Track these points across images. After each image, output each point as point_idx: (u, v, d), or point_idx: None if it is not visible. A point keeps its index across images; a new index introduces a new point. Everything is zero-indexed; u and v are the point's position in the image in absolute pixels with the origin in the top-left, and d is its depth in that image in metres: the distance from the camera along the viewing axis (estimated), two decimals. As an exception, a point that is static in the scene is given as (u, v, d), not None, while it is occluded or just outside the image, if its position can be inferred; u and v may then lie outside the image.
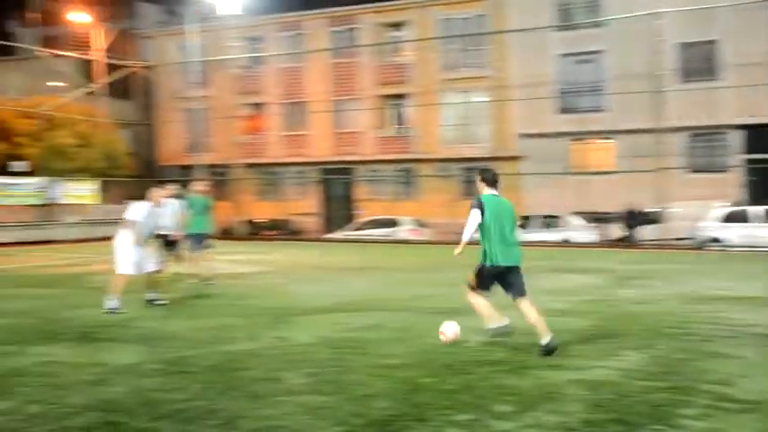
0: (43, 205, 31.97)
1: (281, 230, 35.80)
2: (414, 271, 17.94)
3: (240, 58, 38.42)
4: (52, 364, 7.45)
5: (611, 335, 8.91)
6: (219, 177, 40.17)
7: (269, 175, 39.92)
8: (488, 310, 8.28)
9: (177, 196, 13.87)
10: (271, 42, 39.15)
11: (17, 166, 33.18)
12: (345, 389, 6.42)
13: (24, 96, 39.07)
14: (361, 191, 37.57)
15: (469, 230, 7.94)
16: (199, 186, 15.23)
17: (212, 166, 39.56)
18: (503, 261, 7.89)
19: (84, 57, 37.59)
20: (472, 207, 7.98)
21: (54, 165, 33.82)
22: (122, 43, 38.50)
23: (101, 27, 37.54)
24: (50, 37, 40.39)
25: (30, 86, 38.66)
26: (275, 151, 39.33)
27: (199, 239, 14.43)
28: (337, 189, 36.74)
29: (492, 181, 8.22)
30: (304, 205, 38.31)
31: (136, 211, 11.04)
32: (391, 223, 32.36)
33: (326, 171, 37.52)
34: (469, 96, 35.42)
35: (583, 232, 28.35)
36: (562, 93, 33.13)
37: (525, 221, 29.84)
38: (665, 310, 10.94)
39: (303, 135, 38.82)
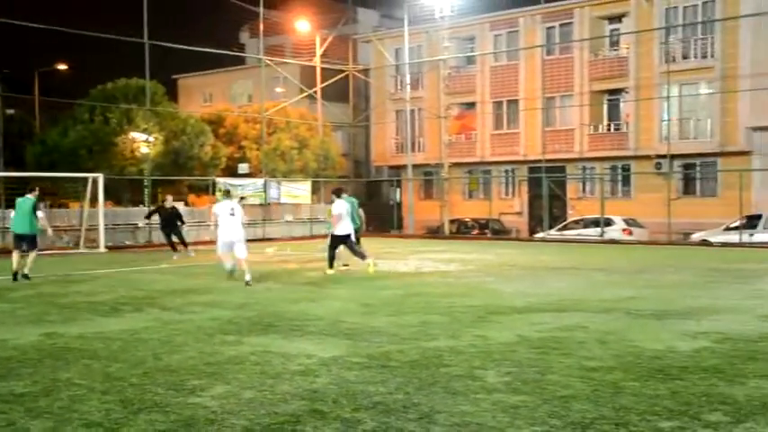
0: (262, 205, 33.95)
1: (487, 230, 35.77)
2: (621, 272, 17.28)
3: (452, 59, 38.80)
4: (266, 353, 7.91)
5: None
6: (428, 177, 40.91)
7: (477, 174, 40.04)
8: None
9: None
10: (484, 41, 39.22)
11: (242, 168, 35.55)
12: (544, 389, 6.32)
13: (250, 103, 41.90)
14: (570, 189, 36.71)
15: None
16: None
17: (422, 165, 40.35)
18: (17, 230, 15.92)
19: (303, 63, 39.60)
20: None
21: (274, 166, 35.89)
22: (340, 48, 40.12)
23: (320, 34, 39.34)
24: (275, 46, 42.98)
25: (256, 93, 41.39)
26: (484, 150, 39.37)
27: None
28: (546, 188, 36.14)
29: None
30: (511, 204, 38.05)
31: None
32: (601, 223, 31.36)
33: (535, 169, 36.99)
34: (692, 89, 33.51)
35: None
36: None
37: (754, 221, 27.83)
38: None
39: (513, 133, 38.55)
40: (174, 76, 48.73)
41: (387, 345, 8.35)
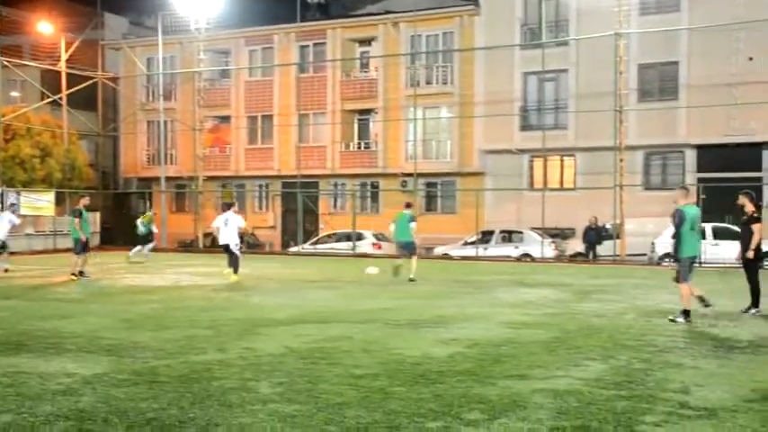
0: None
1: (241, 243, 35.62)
2: (374, 284, 18.03)
3: (207, 71, 38.32)
4: (19, 374, 7.45)
5: (573, 346, 9.15)
6: (181, 190, 40.06)
7: (231, 188, 39.83)
8: None
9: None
10: (239, 56, 39.23)
11: (-24, 176, 32.62)
12: (317, 398, 6.55)
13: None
14: (323, 205, 37.64)
15: None
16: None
17: (175, 178, 39.43)
18: None
19: (47, 66, 37.14)
20: None
21: (14, 175, 33.38)
22: (87, 54, 38.02)
23: (65, 37, 37.11)
24: (12, 45, 39.84)
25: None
26: (239, 164, 39.30)
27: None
28: (300, 203, 36.75)
29: None
30: (265, 218, 38.26)
31: None
32: (353, 237, 32.46)
33: (289, 185, 37.53)
34: (434, 112, 35.80)
35: (542, 248, 28.66)
36: (525, 110, 33.65)
37: (487, 236, 30.23)
38: (624, 323, 11.25)
39: (267, 148, 38.86)
40: None
41: (153, 360, 8.19)
